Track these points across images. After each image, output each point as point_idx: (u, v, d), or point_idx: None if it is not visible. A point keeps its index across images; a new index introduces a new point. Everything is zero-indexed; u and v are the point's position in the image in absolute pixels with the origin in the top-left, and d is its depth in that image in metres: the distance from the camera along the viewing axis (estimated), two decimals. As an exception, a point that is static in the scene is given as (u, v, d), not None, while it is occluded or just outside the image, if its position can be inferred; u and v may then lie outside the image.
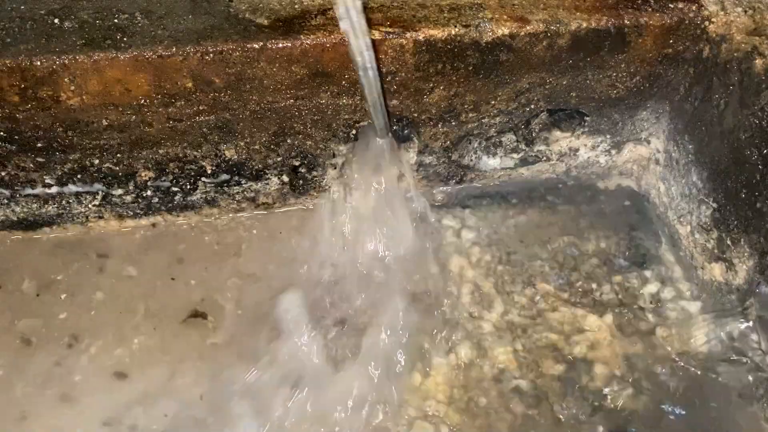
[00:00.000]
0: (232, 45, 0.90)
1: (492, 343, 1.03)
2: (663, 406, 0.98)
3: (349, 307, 1.06)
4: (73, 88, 0.89)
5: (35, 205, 1.06)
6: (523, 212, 1.20)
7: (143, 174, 1.05)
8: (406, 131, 1.06)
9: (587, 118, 1.13)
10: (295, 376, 0.97)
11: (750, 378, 0.98)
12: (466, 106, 1.05)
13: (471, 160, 1.16)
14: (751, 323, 0.97)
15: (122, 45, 0.88)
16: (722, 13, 0.99)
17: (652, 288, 1.11)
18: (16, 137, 0.94)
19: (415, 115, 1.04)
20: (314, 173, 1.12)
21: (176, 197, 1.10)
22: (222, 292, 1.06)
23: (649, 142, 1.18)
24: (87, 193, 1.06)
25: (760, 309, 0.95)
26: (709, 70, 1.01)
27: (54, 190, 1.04)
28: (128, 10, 0.93)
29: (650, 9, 0.99)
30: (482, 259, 1.13)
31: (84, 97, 0.91)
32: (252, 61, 0.91)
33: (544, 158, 1.19)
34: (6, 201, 1.04)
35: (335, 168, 1.11)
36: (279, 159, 1.08)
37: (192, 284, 1.07)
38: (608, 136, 1.17)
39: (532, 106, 1.08)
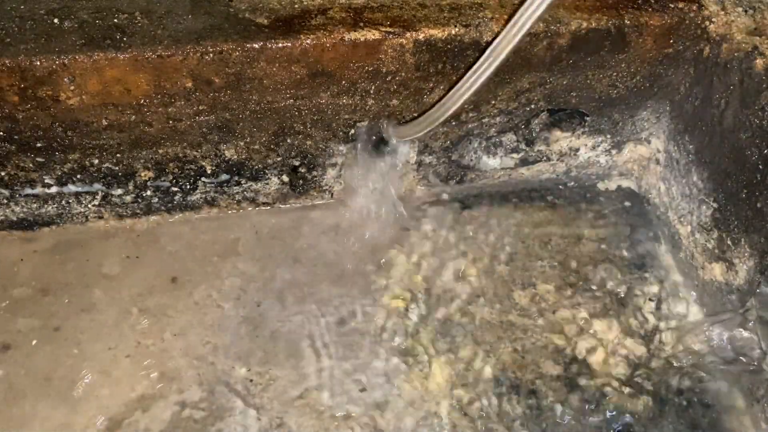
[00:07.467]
0: (232, 45, 0.90)
1: (492, 343, 1.03)
2: (663, 407, 0.98)
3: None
4: (72, 88, 0.89)
5: (35, 205, 1.06)
6: (524, 212, 1.20)
7: (143, 174, 1.05)
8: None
9: (587, 118, 1.13)
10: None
11: (750, 378, 0.98)
12: (466, 106, 1.05)
13: (471, 160, 1.16)
14: (751, 323, 0.96)
15: (122, 45, 0.88)
16: (722, 12, 0.99)
17: (652, 288, 1.11)
18: (16, 137, 0.94)
19: (415, 115, 1.04)
20: (314, 173, 1.12)
21: (176, 197, 1.10)
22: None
23: (649, 142, 1.18)
24: (87, 193, 1.06)
25: (760, 309, 0.95)
26: (710, 69, 1.01)
27: (54, 190, 1.04)
28: (128, 10, 0.93)
29: (650, 9, 0.99)
30: (482, 260, 1.13)
31: (84, 97, 0.91)
32: (252, 61, 0.91)
33: (545, 158, 1.19)
34: (5, 201, 1.04)
35: (335, 168, 1.11)
36: (279, 159, 1.08)
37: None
38: (608, 136, 1.17)
39: (533, 106, 1.08)
